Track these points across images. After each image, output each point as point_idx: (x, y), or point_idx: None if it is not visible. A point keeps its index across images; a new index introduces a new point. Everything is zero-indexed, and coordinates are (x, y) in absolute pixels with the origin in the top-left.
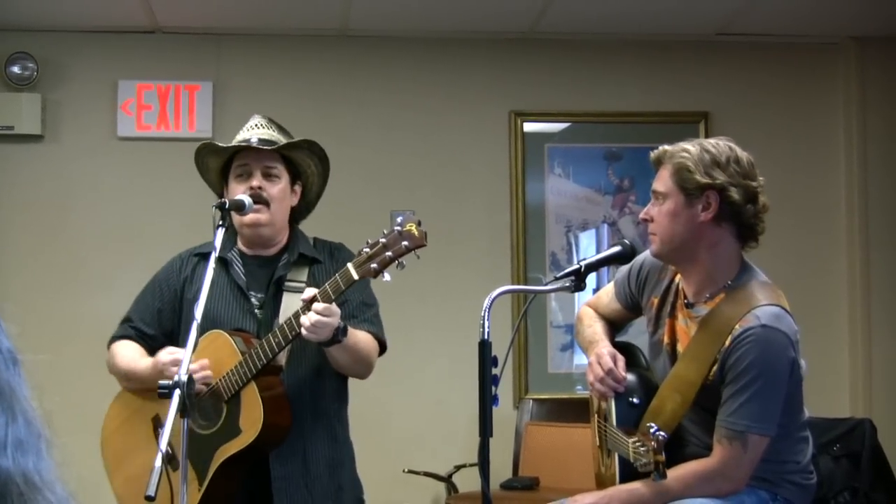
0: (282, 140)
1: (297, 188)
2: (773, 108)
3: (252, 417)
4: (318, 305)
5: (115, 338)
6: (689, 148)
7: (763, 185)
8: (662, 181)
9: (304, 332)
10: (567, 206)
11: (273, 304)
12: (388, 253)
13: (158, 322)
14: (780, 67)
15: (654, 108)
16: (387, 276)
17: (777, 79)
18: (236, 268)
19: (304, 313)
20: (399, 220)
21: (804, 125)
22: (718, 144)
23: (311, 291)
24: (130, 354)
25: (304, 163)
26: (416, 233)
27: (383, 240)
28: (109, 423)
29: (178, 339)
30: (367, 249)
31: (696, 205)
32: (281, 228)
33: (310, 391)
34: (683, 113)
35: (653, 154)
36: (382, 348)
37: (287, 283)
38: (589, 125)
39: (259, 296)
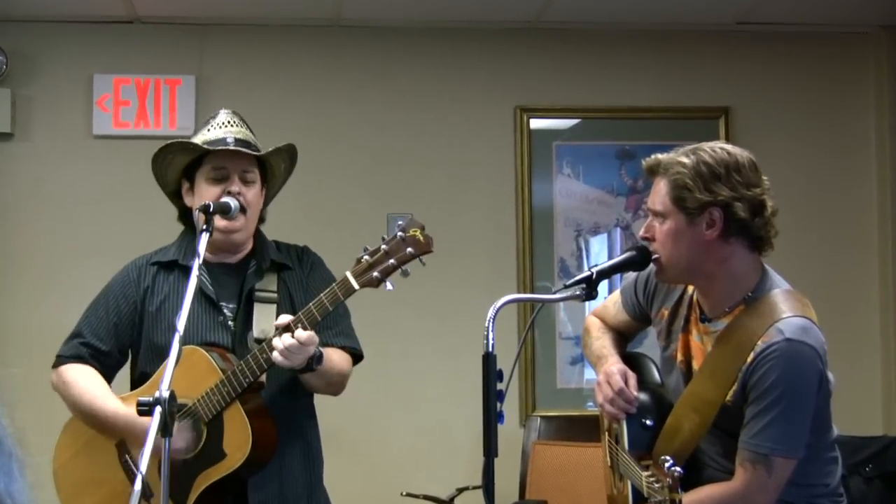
0: (252, 138)
1: (263, 190)
2: (799, 102)
3: (239, 440)
4: (301, 334)
5: (64, 358)
6: (685, 160)
7: (768, 186)
8: (660, 199)
9: (276, 356)
10: (577, 209)
11: (245, 315)
12: (392, 260)
13: (115, 337)
14: (805, 59)
15: (669, 103)
16: (389, 285)
17: (802, 71)
18: (203, 277)
19: (279, 336)
20: (400, 223)
21: (832, 121)
22: (715, 151)
23: (285, 318)
24: (94, 390)
25: (276, 166)
26: (422, 238)
27: (385, 246)
28: (62, 452)
29: (137, 355)
30: (368, 257)
31: (700, 223)
32: (251, 234)
33: (285, 408)
34: (701, 108)
35: (645, 163)
36: (357, 359)
37: (258, 294)
38: (600, 121)
39: (231, 306)
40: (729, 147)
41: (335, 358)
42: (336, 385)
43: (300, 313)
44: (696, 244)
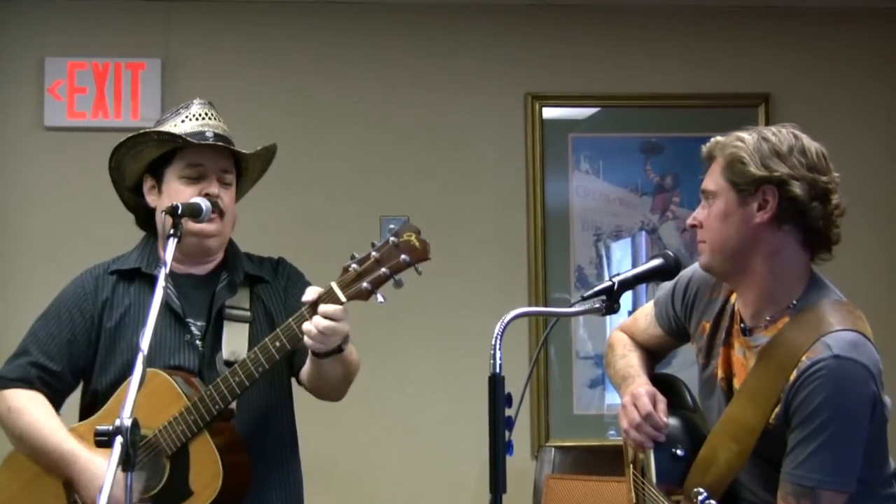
0: (229, 134)
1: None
2: (848, 88)
3: (207, 475)
4: (327, 308)
5: (8, 380)
6: (745, 136)
7: (837, 182)
8: (713, 178)
9: (309, 341)
10: (596, 210)
11: (214, 334)
12: (384, 269)
13: (68, 356)
14: (857, 39)
15: (701, 89)
16: (381, 297)
17: (854, 53)
18: (169, 289)
19: (309, 318)
20: (392, 227)
21: (885, 109)
22: (780, 132)
23: (314, 290)
24: (46, 424)
25: (253, 168)
26: (417, 244)
27: (375, 253)
28: (1, 491)
29: (91, 376)
30: (355, 265)
31: (752, 203)
32: (226, 241)
33: (260, 439)
34: (738, 95)
35: (704, 148)
36: None
37: (229, 311)
38: (622, 111)
39: (199, 324)
40: (798, 131)
41: (350, 346)
42: (350, 378)
43: (303, 309)
44: (744, 227)
